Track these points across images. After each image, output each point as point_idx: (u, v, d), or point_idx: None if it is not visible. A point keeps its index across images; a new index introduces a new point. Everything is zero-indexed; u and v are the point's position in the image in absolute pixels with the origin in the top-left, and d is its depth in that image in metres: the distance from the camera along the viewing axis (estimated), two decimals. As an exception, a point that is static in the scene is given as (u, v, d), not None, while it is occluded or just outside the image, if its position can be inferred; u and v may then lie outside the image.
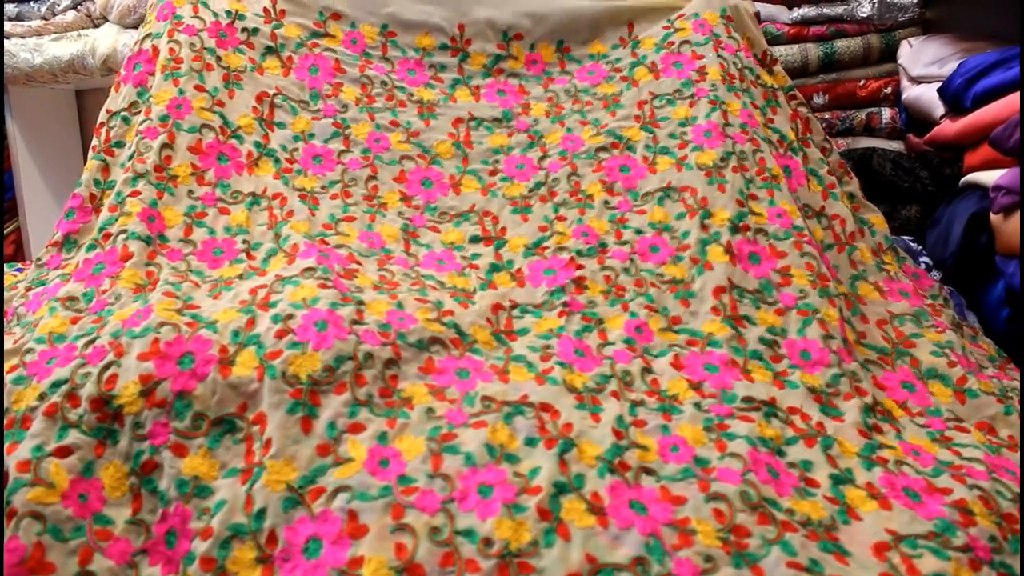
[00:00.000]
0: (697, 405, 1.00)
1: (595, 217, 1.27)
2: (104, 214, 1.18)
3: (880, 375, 1.13)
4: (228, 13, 1.39)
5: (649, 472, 0.90)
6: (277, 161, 1.27)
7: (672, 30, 1.48)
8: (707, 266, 1.18)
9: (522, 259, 1.22)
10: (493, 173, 1.36)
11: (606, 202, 1.30)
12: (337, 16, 1.44)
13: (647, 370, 1.05)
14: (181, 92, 1.27)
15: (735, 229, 1.22)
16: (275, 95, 1.34)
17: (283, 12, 1.43)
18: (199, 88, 1.28)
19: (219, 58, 1.33)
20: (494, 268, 1.21)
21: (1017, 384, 1.16)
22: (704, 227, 1.22)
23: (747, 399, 1.01)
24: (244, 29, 1.39)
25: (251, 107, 1.32)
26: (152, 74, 1.30)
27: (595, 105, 1.44)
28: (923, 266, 1.48)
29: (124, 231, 1.14)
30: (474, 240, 1.26)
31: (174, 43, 1.32)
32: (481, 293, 1.15)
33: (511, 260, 1.22)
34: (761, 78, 1.42)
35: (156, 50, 1.32)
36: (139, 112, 1.28)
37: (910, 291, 1.27)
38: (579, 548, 0.80)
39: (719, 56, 1.42)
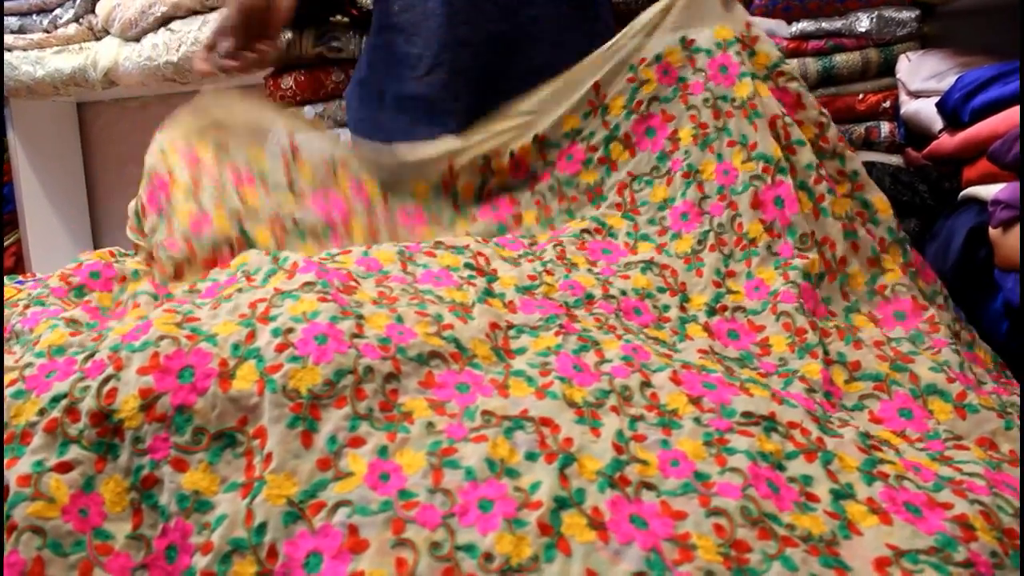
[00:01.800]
0: (697, 420, 0.99)
1: (582, 276, 1.29)
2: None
3: (877, 408, 1.12)
4: (246, 161, 1.41)
5: (649, 487, 0.89)
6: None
7: (637, 83, 1.45)
8: (688, 337, 1.20)
9: (514, 293, 1.23)
10: (485, 241, 1.37)
11: (590, 269, 1.31)
12: (344, 165, 1.44)
13: (646, 384, 1.04)
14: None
15: (712, 311, 1.25)
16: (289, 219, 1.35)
17: (296, 149, 1.44)
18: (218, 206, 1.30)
19: (236, 190, 1.35)
20: (488, 294, 1.21)
21: (1017, 399, 1.16)
22: (683, 308, 1.25)
23: (746, 414, 1.00)
24: (260, 173, 1.41)
25: (268, 227, 1.32)
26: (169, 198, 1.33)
27: (581, 200, 1.44)
28: (922, 280, 1.48)
29: (133, 295, 1.16)
30: (469, 267, 1.27)
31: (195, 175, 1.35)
32: (480, 307, 1.15)
33: (503, 293, 1.23)
34: (736, 98, 1.38)
35: (173, 177, 1.34)
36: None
37: (907, 311, 1.26)
38: (580, 563, 0.80)
39: (688, 108, 1.41)
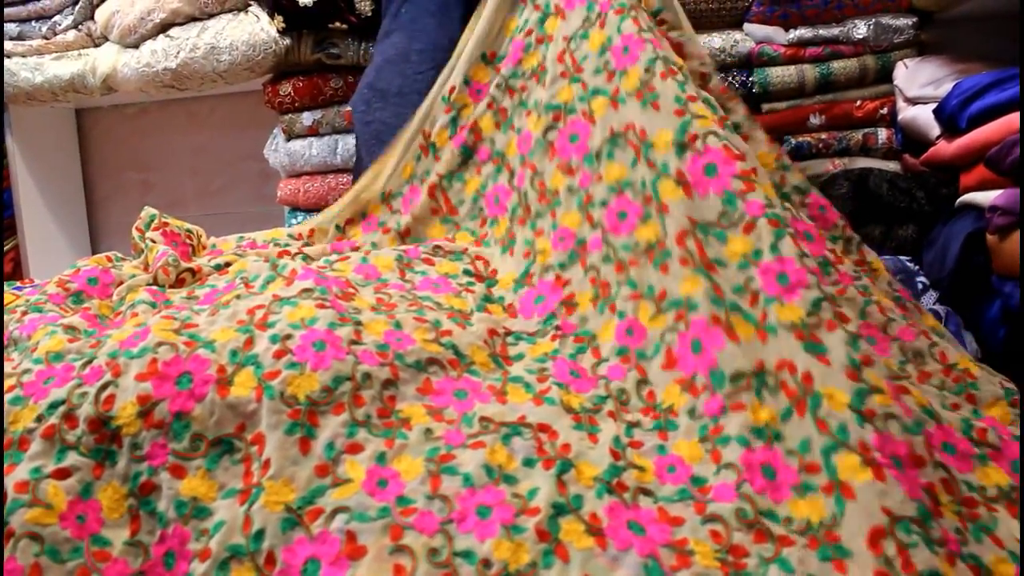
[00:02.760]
0: (691, 412, 0.98)
1: (565, 212, 1.22)
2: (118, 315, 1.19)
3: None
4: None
5: (647, 493, 0.90)
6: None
7: None
8: (663, 208, 1.10)
9: (513, 294, 1.22)
10: (483, 224, 1.36)
11: (570, 188, 1.24)
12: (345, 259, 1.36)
13: (643, 381, 1.04)
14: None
15: (682, 148, 1.11)
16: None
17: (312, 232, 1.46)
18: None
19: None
20: (488, 300, 1.21)
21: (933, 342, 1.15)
22: (651, 163, 1.13)
23: (735, 377, 0.97)
24: (276, 242, 1.43)
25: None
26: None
27: (529, 86, 1.39)
28: (919, 286, 1.48)
29: (132, 304, 1.16)
30: (467, 274, 1.26)
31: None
32: (478, 315, 1.15)
33: (503, 296, 1.22)
34: None
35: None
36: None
37: (814, 235, 1.17)
38: (578, 569, 0.80)
39: None
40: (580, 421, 0.98)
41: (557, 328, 1.14)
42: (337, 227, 1.45)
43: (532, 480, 0.88)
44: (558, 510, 0.85)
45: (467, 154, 1.42)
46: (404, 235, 1.39)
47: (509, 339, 1.13)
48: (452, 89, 1.46)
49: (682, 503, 0.88)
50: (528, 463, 0.90)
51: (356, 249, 1.37)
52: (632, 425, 0.99)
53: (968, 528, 0.87)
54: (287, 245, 1.41)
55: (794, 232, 1.02)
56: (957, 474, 0.94)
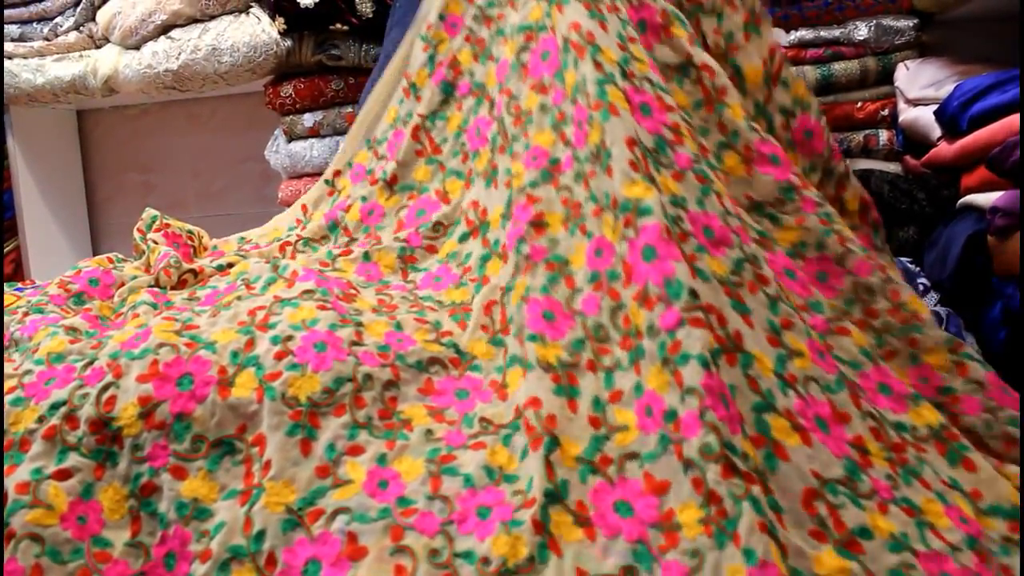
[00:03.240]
0: (651, 328, 0.93)
1: (538, 132, 1.16)
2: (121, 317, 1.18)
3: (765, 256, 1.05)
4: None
5: (632, 457, 0.88)
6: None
7: None
8: (612, 110, 1.07)
9: (502, 231, 1.18)
10: (465, 159, 1.32)
11: (543, 106, 1.18)
12: (348, 252, 1.33)
13: (617, 307, 0.99)
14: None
15: (624, 75, 1.10)
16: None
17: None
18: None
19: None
20: (485, 259, 1.18)
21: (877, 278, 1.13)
22: (598, 65, 1.10)
23: (693, 293, 0.92)
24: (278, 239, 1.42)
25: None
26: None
27: (506, 13, 1.33)
28: (920, 287, 1.48)
29: (133, 306, 1.15)
30: (463, 239, 1.24)
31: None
32: (477, 297, 1.13)
33: (497, 239, 1.18)
34: None
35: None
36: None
37: (780, 157, 1.15)
38: (571, 562, 0.81)
39: None
40: (559, 382, 0.95)
41: (527, 258, 1.07)
42: (327, 181, 1.43)
43: (528, 471, 0.88)
44: (549, 498, 0.84)
45: (448, 91, 1.37)
46: (391, 183, 1.35)
47: (506, 299, 1.09)
48: (429, 26, 1.41)
49: (665, 456, 0.86)
50: (524, 455, 0.90)
51: (348, 210, 1.35)
52: (611, 370, 0.96)
53: (899, 473, 0.89)
54: (287, 237, 1.40)
55: (720, 191, 1.03)
56: (891, 416, 0.96)
